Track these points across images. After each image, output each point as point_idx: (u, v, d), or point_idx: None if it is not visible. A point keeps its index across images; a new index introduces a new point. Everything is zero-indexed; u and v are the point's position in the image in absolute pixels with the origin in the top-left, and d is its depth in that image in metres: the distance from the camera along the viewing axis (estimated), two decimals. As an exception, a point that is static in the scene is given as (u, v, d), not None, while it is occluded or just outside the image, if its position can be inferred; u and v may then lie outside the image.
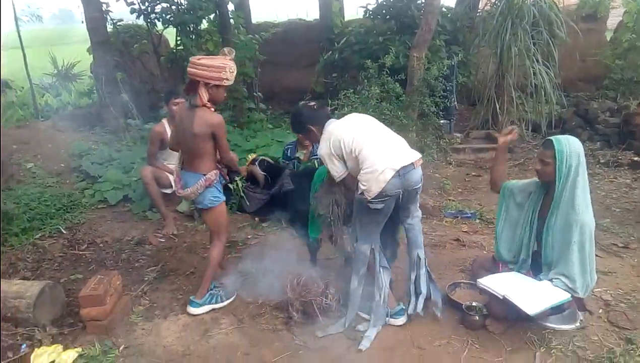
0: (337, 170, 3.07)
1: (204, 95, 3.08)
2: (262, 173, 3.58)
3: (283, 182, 3.58)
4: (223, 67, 3.05)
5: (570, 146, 2.95)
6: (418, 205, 3.26)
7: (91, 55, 7.79)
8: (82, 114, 8.34)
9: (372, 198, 2.88)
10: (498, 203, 3.50)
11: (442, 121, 6.73)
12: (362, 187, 2.89)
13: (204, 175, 3.23)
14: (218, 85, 3.10)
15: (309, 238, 3.62)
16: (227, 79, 3.09)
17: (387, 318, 3.17)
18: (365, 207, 2.95)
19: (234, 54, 3.17)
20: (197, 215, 4.86)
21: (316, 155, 3.92)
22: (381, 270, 3.16)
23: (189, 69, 3.06)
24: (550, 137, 3.02)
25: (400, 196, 2.97)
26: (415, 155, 3.00)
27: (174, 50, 7.73)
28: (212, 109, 3.17)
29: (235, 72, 3.15)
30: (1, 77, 8.60)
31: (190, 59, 3.08)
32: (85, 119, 8.07)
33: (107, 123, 7.58)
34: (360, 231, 3.12)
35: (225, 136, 3.26)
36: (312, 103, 3.47)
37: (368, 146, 2.95)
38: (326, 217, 3.25)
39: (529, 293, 2.91)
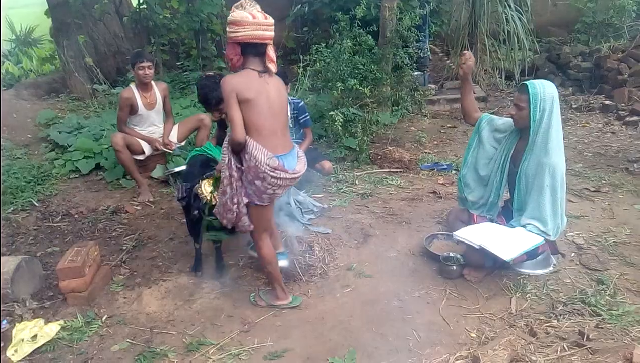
0: None
1: (274, 58, 2.64)
2: None
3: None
4: None
5: (544, 90, 2.96)
6: None
7: (50, 19, 7.43)
8: (46, 81, 8.03)
9: None
10: (470, 136, 3.46)
11: (416, 73, 6.64)
12: None
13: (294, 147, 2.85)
14: None
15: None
16: None
17: None
18: None
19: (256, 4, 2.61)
20: (172, 180, 4.79)
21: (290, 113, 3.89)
22: None
23: (256, 32, 2.52)
24: (525, 82, 3.03)
25: None
26: None
27: (137, 10, 7.41)
28: None
29: None
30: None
31: (241, 19, 2.49)
32: (50, 86, 7.78)
33: (72, 89, 7.33)
34: None
35: None
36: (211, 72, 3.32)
37: None
38: None
39: (504, 241, 2.99)
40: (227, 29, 2.57)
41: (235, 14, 2.53)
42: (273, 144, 2.63)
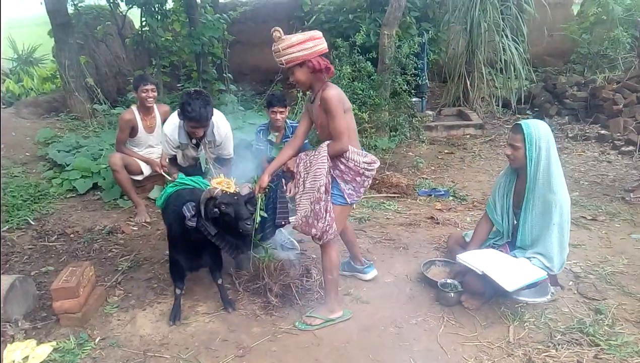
0: None
1: None
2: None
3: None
4: None
5: (539, 129, 2.99)
6: None
7: (52, 39, 7.51)
8: (46, 100, 8.07)
9: None
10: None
11: (414, 99, 6.74)
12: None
13: None
14: None
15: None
16: None
17: None
18: None
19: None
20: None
21: (289, 137, 3.91)
22: None
23: (325, 45, 2.79)
24: (519, 122, 3.07)
25: None
26: None
27: (139, 32, 7.50)
28: None
29: None
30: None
31: (315, 33, 2.76)
32: (50, 105, 7.82)
33: (72, 109, 7.37)
34: None
35: None
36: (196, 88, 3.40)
37: None
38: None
39: (507, 270, 2.97)
40: (305, 45, 2.73)
41: (302, 34, 2.76)
42: (357, 144, 2.95)
